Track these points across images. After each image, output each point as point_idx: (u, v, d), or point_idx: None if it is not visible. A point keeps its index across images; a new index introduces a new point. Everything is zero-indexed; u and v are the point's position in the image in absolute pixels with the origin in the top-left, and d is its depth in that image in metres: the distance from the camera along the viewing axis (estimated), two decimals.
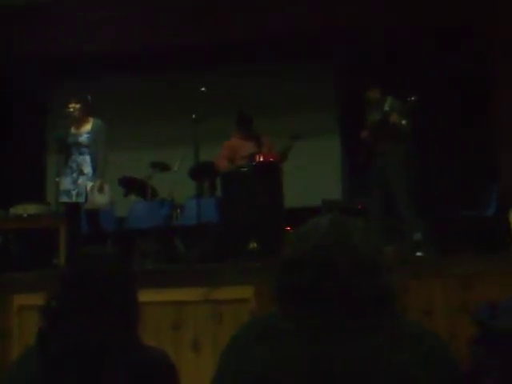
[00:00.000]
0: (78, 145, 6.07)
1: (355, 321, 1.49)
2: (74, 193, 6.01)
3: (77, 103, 6.10)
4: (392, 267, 1.59)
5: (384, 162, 6.07)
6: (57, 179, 6.07)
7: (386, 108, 6.09)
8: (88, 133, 6.11)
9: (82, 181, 6.02)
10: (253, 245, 5.91)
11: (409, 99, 6.05)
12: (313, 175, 8.38)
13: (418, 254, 5.54)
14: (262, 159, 6.46)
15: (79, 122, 6.13)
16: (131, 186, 7.70)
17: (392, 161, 6.05)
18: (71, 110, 6.08)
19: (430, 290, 4.28)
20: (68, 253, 5.96)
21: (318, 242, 1.55)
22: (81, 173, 6.03)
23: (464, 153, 7.63)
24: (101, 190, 6.00)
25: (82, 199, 6.00)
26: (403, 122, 5.99)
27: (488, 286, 4.14)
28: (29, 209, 6.74)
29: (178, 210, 7.57)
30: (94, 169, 6.06)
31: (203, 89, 6.51)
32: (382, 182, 6.08)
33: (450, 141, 7.70)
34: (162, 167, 7.62)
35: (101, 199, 6.04)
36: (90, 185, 5.97)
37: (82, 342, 1.73)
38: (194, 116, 6.42)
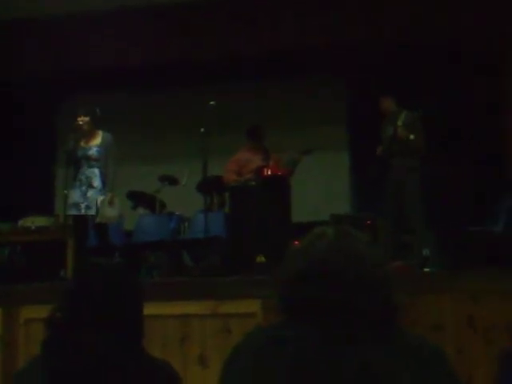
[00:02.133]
0: (88, 158, 6.07)
1: (357, 333, 1.48)
2: (83, 206, 6.00)
3: (85, 116, 6.11)
4: (396, 280, 1.58)
5: (398, 177, 6.05)
6: (65, 191, 6.06)
7: (399, 123, 6.06)
8: (98, 146, 6.11)
9: (91, 194, 6.01)
10: (260, 258, 5.90)
11: (416, 113, 6.05)
12: (321, 190, 8.38)
13: (426, 269, 5.52)
14: (269, 173, 6.47)
15: (88, 135, 6.14)
16: (139, 199, 7.71)
17: (404, 176, 6.02)
18: (80, 123, 6.09)
19: (439, 305, 4.25)
20: (75, 265, 5.96)
21: (324, 254, 1.54)
22: (90, 186, 6.03)
23: (475, 167, 7.61)
24: (111, 203, 6.00)
25: (91, 212, 5.99)
26: (411, 136, 5.97)
27: (497, 301, 4.11)
28: (37, 221, 6.76)
29: (186, 224, 7.57)
30: (103, 182, 6.05)
31: (212, 102, 6.52)
32: (396, 196, 6.05)
33: (460, 154, 7.68)
34: (171, 181, 7.62)
35: (111, 212, 6.03)
36: (100, 198, 5.97)
37: (86, 353, 1.72)
38: (202, 130, 6.43)
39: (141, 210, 7.79)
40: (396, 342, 1.49)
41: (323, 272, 1.52)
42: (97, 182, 6.04)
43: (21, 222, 6.85)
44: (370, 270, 1.54)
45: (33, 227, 6.75)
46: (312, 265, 1.54)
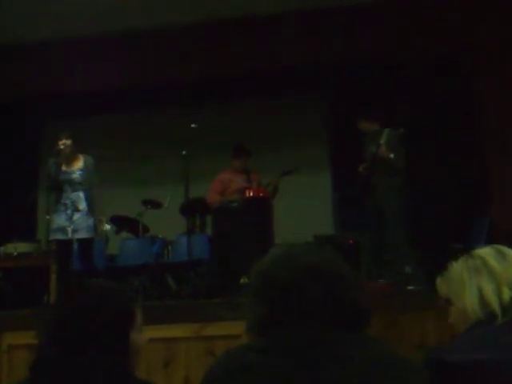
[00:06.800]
0: (71, 182, 6.06)
1: (328, 347, 1.49)
2: (69, 229, 5.97)
3: (67, 139, 6.10)
4: (361, 284, 1.61)
5: (378, 195, 6.06)
6: (47, 217, 6.04)
7: (381, 141, 6.08)
8: (80, 170, 6.10)
9: (77, 217, 6.00)
10: (244, 280, 5.89)
11: (397, 131, 6.08)
12: (304, 210, 8.38)
13: (410, 287, 5.53)
14: (251, 194, 6.48)
15: (70, 159, 6.13)
16: (123, 223, 7.69)
17: (386, 194, 6.03)
18: (61, 146, 6.08)
19: (423, 323, 4.26)
20: (58, 290, 5.92)
21: (284, 271, 1.59)
22: (76, 209, 6.01)
23: (455, 187, 7.66)
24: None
25: (78, 235, 5.98)
26: (391, 155, 5.99)
27: None
28: (19, 247, 6.71)
29: (170, 247, 7.56)
30: (89, 205, 6.05)
31: (193, 125, 6.54)
32: (377, 215, 6.06)
33: (441, 174, 7.73)
34: (154, 204, 7.62)
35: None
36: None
37: (73, 376, 1.71)
38: (184, 152, 6.44)
39: (124, 234, 7.77)
40: (367, 356, 1.49)
41: (284, 289, 1.56)
42: (82, 205, 6.03)
43: (3, 249, 6.80)
44: (331, 281, 1.56)
45: (15, 253, 6.70)
46: (273, 284, 1.58)
